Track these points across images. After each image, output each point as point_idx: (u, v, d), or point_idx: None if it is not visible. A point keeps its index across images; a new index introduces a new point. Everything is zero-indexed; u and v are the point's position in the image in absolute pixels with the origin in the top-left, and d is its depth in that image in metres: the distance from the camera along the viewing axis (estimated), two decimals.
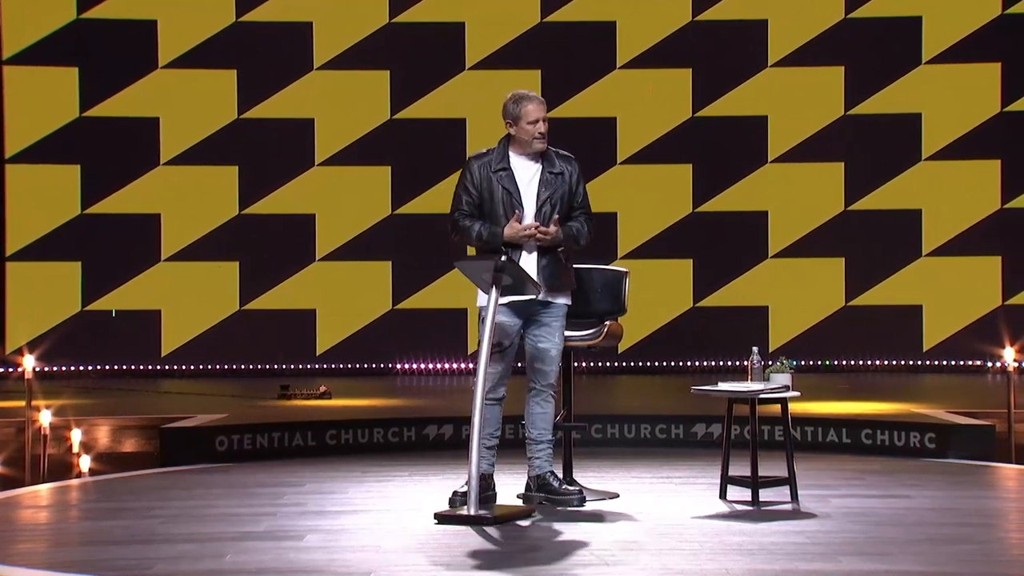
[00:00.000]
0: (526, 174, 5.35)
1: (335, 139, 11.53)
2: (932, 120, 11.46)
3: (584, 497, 5.38)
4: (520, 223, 5.27)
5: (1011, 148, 11.34)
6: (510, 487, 5.78)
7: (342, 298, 11.47)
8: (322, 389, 9.17)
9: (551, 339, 5.38)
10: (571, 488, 5.43)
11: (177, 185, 11.39)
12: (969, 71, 11.40)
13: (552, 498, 5.36)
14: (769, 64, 11.53)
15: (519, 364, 5.53)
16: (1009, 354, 7.51)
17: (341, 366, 11.37)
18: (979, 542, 4.64)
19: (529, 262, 5.31)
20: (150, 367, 11.32)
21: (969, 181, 11.35)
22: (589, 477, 5.93)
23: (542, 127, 5.31)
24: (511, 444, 7.32)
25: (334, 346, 11.51)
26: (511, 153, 5.35)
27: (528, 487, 5.45)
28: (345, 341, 11.49)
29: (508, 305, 5.28)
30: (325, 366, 11.34)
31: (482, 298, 5.26)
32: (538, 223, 5.28)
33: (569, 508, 5.30)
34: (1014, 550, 4.55)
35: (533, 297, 5.29)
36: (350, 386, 10.05)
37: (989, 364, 11.00)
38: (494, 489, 5.39)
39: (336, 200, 11.50)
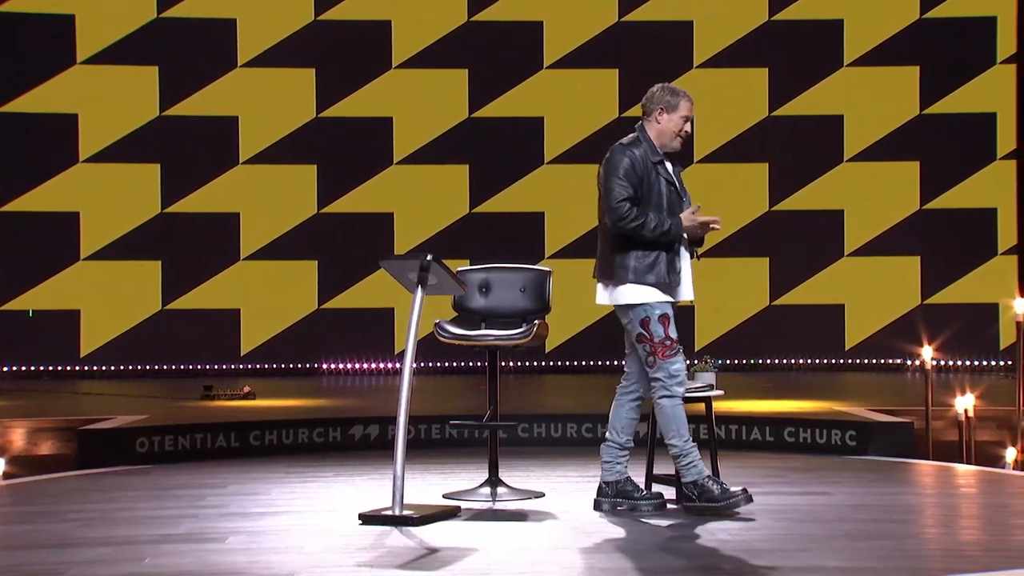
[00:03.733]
0: (670, 168, 5.14)
1: (260, 137, 11.41)
2: (853, 122, 11.63)
3: (664, 503, 5.15)
4: (696, 216, 4.99)
5: (929, 150, 11.55)
6: (436, 487, 5.76)
7: (267, 298, 11.36)
8: (246, 390, 9.07)
9: None
10: (652, 493, 5.24)
11: (96, 183, 11.19)
12: (889, 74, 11.59)
13: (633, 503, 5.16)
14: (695, 66, 11.62)
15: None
16: (927, 352, 7.64)
17: (266, 366, 11.26)
18: (896, 537, 4.71)
19: (686, 264, 5.12)
20: (68, 368, 11.11)
21: (889, 182, 11.55)
22: (515, 476, 5.93)
23: (689, 128, 5.14)
24: (433, 444, 7.31)
25: (259, 346, 11.38)
26: (656, 147, 5.09)
27: (603, 492, 5.20)
28: (270, 341, 11.38)
29: (671, 305, 5.08)
30: (250, 366, 11.21)
31: (620, 296, 5.00)
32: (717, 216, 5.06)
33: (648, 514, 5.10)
34: (930, 545, 4.62)
35: (691, 300, 5.11)
36: (275, 386, 9.95)
37: (908, 362, 11.18)
38: (640, 490, 5.16)
39: (261, 199, 11.39)
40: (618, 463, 5.19)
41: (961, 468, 6.48)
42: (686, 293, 5.12)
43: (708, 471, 5.07)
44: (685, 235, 5.06)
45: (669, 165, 5.17)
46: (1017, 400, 7.27)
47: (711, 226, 5.09)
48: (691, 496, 5.04)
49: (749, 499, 5.02)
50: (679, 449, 5.04)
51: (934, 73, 11.53)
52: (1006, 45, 11.52)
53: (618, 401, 5.25)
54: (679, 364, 5.03)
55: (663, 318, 5.03)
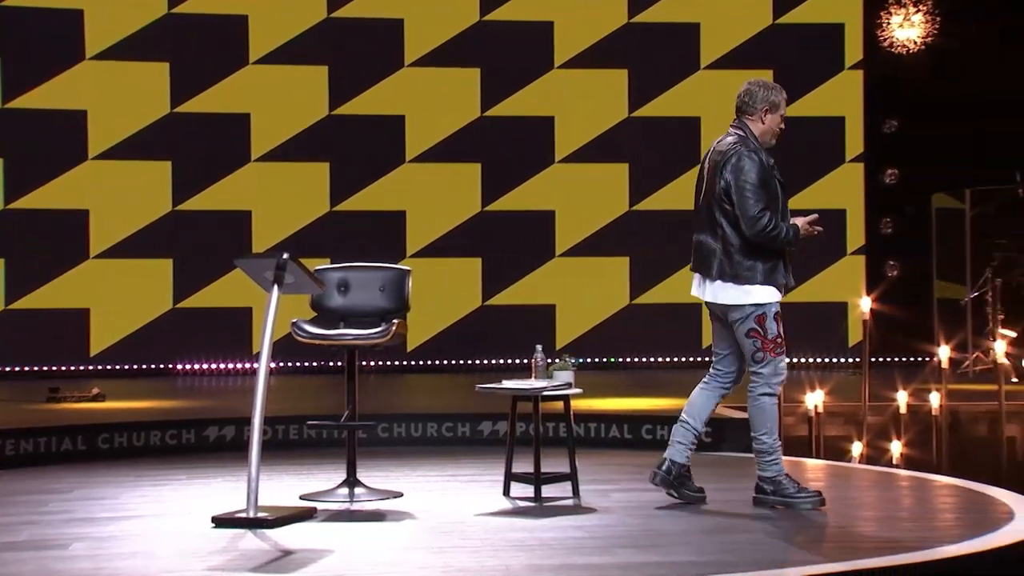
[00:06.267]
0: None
1: (111, 132, 11.09)
2: (710, 123, 11.85)
3: (823, 500, 5.14)
4: (813, 223, 5.17)
5: (782, 152, 11.78)
6: (293, 489, 5.67)
7: (118, 297, 11.03)
8: (95, 391, 8.79)
9: None
10: (698, 487, 5.32)
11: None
12: (743, 77, 11.77)
13: (683, 495, 5.27)
14: (555, 66, 11.70)
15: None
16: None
17: (117, 367, 10.93)
18: (747, 531, 4.80)
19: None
20: None
21: None
22: (374, 476, 5.87)
23: (783, 126, 5.26)
24: (290, 445, 7.19)
25: (109, 346, 11.05)
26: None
27: (762, 490, 5.21)
28: (122, 341, 11.05)
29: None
30: (99, 367, 10.87)
31: (744, 296, 5.08)
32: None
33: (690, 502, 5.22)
34: (780, 538, 4.72)
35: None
36: (126, 388, 9.67)
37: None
38: (686, 483, 5.26)
39: (112, 195, 11.06)
40: (690, 445, 5.27)
41: (810, 462, 6.65)
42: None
43: (785, 471, 5.19)
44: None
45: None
46: (863, 396, 7.50)
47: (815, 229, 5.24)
48: (767, 490, 5.17)
49: (822, 501, 5.12)
50: (768, 446, 5.16)
51: (786, 77, 11.81)
52: (853, 51, 11.90)
53: (708, 388, 5.31)
54: (784, 363, 5.18)
55: (778, 316, 5.17)
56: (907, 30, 11.65)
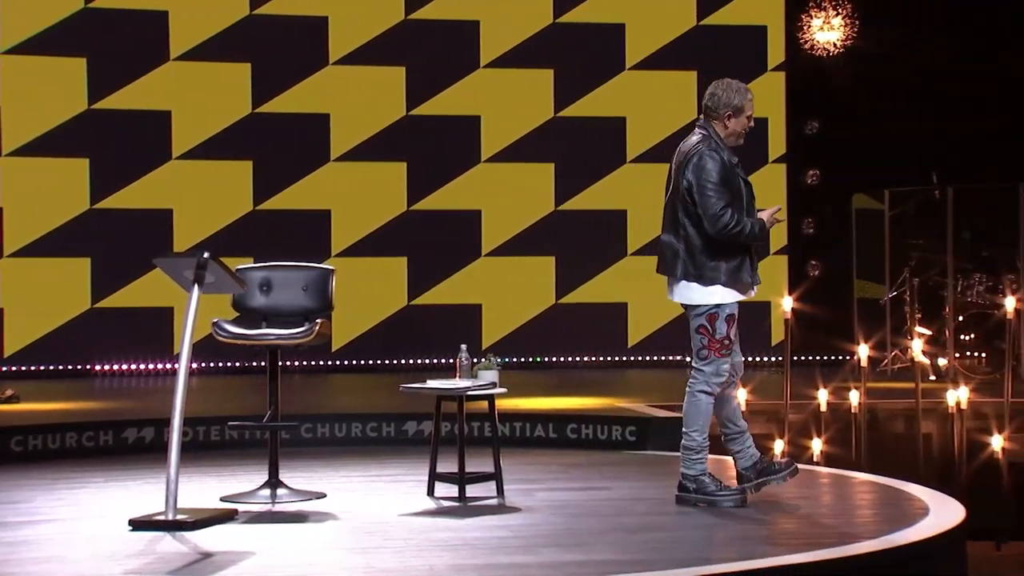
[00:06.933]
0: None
1: (25, 129, 10.86)
2: (635, 124, 11.93)
3: (796, 469, 5.32)
4: (771, 213, 5.18)
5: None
6: (214, 490, 5.59)
7: (34, 297, 10.80)
8: (8, 393, 8.60)
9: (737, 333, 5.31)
10: (783, 461, 5.39)
11: None
12: (668, 78, 11.94)
13: (771, 478, 5.27)
14: (481, 65, 11.69)
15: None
16: None
17: (33, 368, 10.70)
18: (669, 529, 4.83)
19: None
20: None
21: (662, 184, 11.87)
22: (297, 477, 5.81)
23: (751, 124, 5.26)
24: (212, 446, 7.10)
25: (25, 347, 10.82)
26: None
27: (745, 478, 5.28)
28: (37, 342, 10.83)
29: (739, 302, 5.18)
30: (14, 368, 10.64)
31: (707, 296, 5.11)
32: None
33: (785, 480, 5.27)
34: (702, 536, 4.75)
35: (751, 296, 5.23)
36: (42, 389, 9.47)
37: (688, 358, 11.50)
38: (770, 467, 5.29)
39: (28, 193, 10.83)
40: (748, 447, 5.29)
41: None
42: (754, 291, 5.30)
43: (708, 470, 5.24)
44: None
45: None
46: (785, 394, 7.58)
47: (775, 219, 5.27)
48: (689, 488, 5.20)
49: (744, 500, 5.16)
50: (697, 444, 5.19)
51: (710, 78, 11.89)
52: (775, 53, 12.04)
53: (724, 396, 5.33)
54: (727, 365, 5.19)
55: (729, 318, 5.17)
56: (827, 33, 11.82)
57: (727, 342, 5.17)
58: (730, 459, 5.35)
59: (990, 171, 10.76)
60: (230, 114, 11.24)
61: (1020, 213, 10.26)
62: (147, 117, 11.05)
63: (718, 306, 5.16)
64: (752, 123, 5.30)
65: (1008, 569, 6.16)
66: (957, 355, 10.05)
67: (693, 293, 5.19)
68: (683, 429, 5.24)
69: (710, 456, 5.28)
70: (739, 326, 5.24)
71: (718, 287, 5.15)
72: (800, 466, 6.39)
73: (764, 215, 5.21)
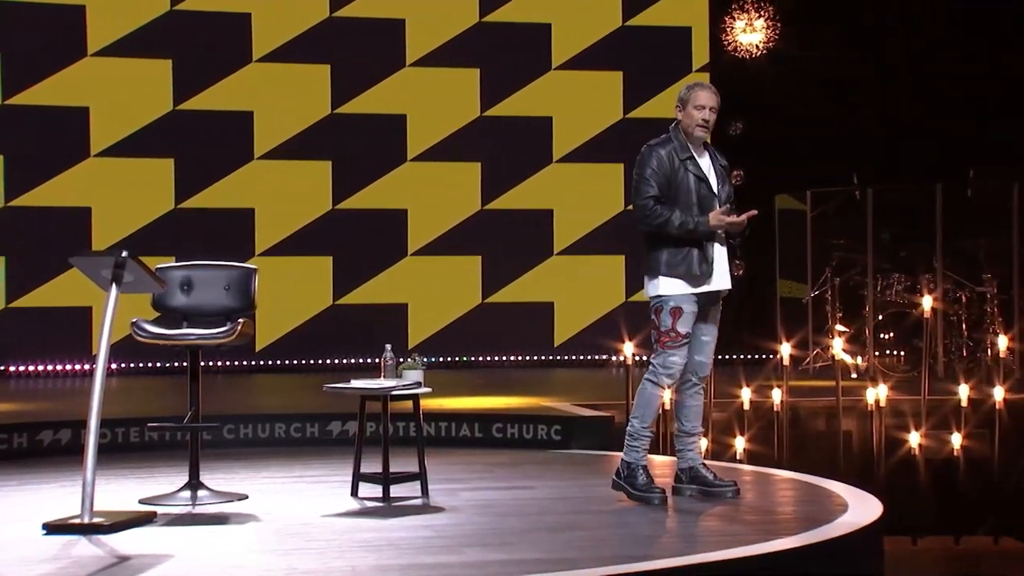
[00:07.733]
0: (704, 164, 5.24)
1: None
2: (561, 123, 11.97)
3: (738, 490, 5.28)
4: (727, 213, 5.13)
5: (633, 153, 11.98)
6: (133, 493, 5.50)
7: None
8: None
9: (712, 332, 5.30)
10: (725, 480, 5.32)
11: None
12: (594, 78, 11.99)
13: (707, 490, 5.26)
14: (407, 64, 11.65)
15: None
16: (628, 348, 7.94)
17: None
18: (592, 528, 4.84)
19: (720, 254, 5.25)
20: None
21: (595, 183, 11.95)
22: (218, 479, 5.74)
23: (707, 115, 5.21)
24: (131, 448, 6.98)
25: None
26: (688, 143, 5.21)
27: (679, 479, 5.32)
28: None
29: (696, 296, 5.17)
30: None
31: (652, 288, 5.12)
32: (754, 211, 5.19)
33: (726, 499, 5.20)
34: (625, 535, 4.77)
35: (728, 288, 5.25)
36: None
37: (612, 358, 11.60)
38: (716, 476, 5.27)
39: None
40: (688, 450, 5.31)
41: (659, 459, 6.75)
42: (720, 283, 5.28)
43: (647, 463, 5.24)
44: (720, 230, 5.20)
45: (706, 160, 5.28)
46: (709, 393, 7.64)
47: (743, 222, 5.24)
48: (620, 472, 5.23)
49: (666, 498, 5.18)
50: (636, 431, 5.22)
51: (635, 79, 12.02)
52: (700, 54, 12.15)
53: (679, 394, 5.36)
54: (676, 358, 5.18)
55: (674, 311, 5.17)
56: (750, 35, 11.95)
57: (673, 334, 5.19)
58: (653, 457, 5.40)
59: (908, 172, 10.95)
60: (151, 111, 11.08)
61: (937, 213, 10.45)
62: (66, 113, 10.84)
63: (660, 297, 5.21)
64: (707, 114, 5.30)
65: (924, 563, 6.28)
66: (876, 353, 10.22)
67: (646, 286, 5.30)
68: (630, 416, 5.31)
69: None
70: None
71: (660, 279, 5.21)
72: (723, 464, 6.43)
73: (713, 214, 5.24)
